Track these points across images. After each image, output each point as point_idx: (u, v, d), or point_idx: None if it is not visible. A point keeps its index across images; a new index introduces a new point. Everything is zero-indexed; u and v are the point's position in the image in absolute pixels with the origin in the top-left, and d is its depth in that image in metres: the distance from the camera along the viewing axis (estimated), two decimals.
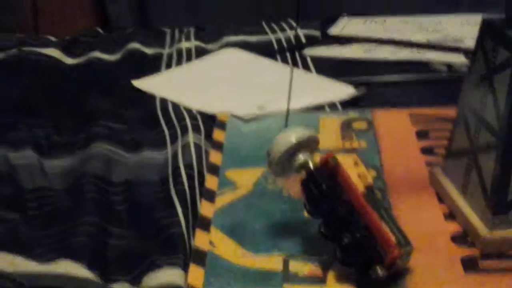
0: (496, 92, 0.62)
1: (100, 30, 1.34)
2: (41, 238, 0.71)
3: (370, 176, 0.78)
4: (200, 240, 0.68)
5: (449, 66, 1.06)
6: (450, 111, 0.75)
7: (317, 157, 0.65)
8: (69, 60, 1.18)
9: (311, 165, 0.64)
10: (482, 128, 0.65)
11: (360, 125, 0.89)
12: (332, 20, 1.30)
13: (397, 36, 1.18)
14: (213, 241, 0.68)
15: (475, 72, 0.66)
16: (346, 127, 0.88)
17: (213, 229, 0.70)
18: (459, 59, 1.07)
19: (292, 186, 0.65)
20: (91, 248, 0.68)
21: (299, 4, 0.71)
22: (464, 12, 1.26)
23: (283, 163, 0.64)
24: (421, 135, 0.86)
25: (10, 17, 1.46)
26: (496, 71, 0.62)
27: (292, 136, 0.64)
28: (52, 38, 1.28)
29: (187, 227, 0.70)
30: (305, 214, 0.65)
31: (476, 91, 0.66)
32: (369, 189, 0.74)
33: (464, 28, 1.18)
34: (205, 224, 0.70)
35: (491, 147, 0.64)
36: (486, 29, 0.64)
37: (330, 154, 0.64)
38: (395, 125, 0.88)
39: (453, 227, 0.68)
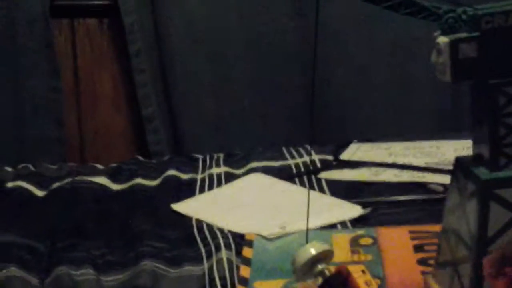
0: (468, 217, 0.77)
1: (140, 158, 1.52)
2: None
3: (375, 283, 0.93)
4: None
5: (445, 187, 1.20)
6: None
7: (332, 268, 0.81)
8: (115, 186, 1.35)
9: (327, 273, 0.79)
10: (460, 244, 0.80)
11: (366, 241, 1.03)
12: (345, 145, 1.47)
13: (400, 160, 1.34)
14: None
15: (451, 200, 0.82)
16: (355, 242, 1.03)
17: None
18: None
19: None
20: None
21: (312, 134, 0.86)
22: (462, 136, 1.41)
23: (305, 271, 0.79)
24: (418, 248, 1.00)
25: (59, 149, 1.64)
26: (467, 200, 0.77)
27: (312, 249, 0.80)
28: (99, 166, 1.47)
29: None
30: None
31: (454, 215, 0.81)
32: None
33: (457, 153, 1.34)
34: None
35: (466, 260, 0.78)
36: (457, 165, 0.80)
37: (343, 266, 0.80)
38: (396, 241, 1.03)
39: None
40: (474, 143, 0.78)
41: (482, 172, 0.74)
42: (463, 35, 0.68)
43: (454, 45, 0.68)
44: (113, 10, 1.62)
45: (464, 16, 0.67)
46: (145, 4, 1.62)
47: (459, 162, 0.80)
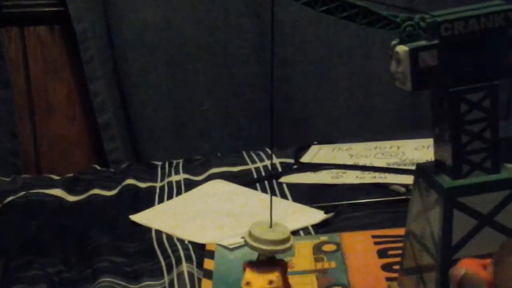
0: (431, 225, 0.76)
1: (97, 167, 1.49)
2: None
3: None
4: None
5: (407, 188, 1.20)
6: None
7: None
8: (71, 198, 1.32)
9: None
10: (424, 252, 0.79)
11: (329, 247, 1.02)
12: (306, 147, 1.45)
13: (361, 161, 1.33)
14: None
15: (414, 206, 0.81)
16: (318, 249, 1.02)
17: None
18: None
19: None
20: None
21: (272, 138, 0.85)
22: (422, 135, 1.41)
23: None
24: (382, 253, 0.99)
25: (14, 160, 1.61)
26: (430, 208, 0.76)
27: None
28: (55, 177, 1.43)
29: None
30: None
31: (417, 222, 0.80)
32: None
33: (419, 152, 1.34)
34: None
35: (432, 268, 0.78)
36: (419, 172, 0.79)
37: None
38: (360, 246, 1.02)
39: None
40: (436, 150, 0.77)
41: (445, 180, 0.73)
42: (422, 43, 0.67)
43: (413, 54, 0.66)
44: (64, 17, 1.59)
45: (422, 24, 0.66)
46: (96, 10, 1.59)
47: (421, 168, 0.79)
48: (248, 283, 0.75)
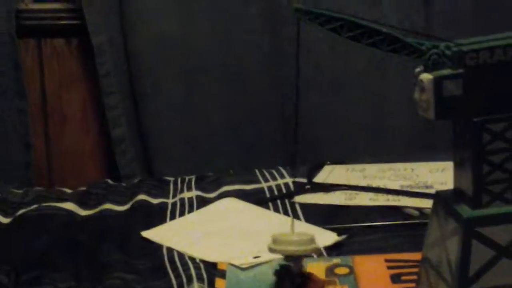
0: (449, 254, 0.75)
1: (109, 181, 1.48)
2: None
3: None
4: None
5: (421, 211, 1.19)
6: (419, 256, 0.88)
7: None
8: (83, 212, 1.32)
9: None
10: (440, 281, 0.79)
11: (342, 270, 1.01)
12: (319, 166, 1.45)
13: (375, 183, 1.32)
14: None
15: (431, 233, 0.80)
16: (330, 272, 1.01)
17: None
18: (429, 204, 1.21)
19: None
20: None
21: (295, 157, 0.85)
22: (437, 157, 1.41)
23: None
24: (395, 278, 0.98)
25: (26, 172, 1.61)
26: (448, 236, 0.76)
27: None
28: (67, 190, 1.43)
29: None
30: None
31: (434, 250, 0.79)
32: None
33: (433, 175, 1.33)
34: None
35: None
36: (437, 200, 0.79)
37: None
38: (372, 270, 1.01)
39: None
40: (456, 178, 0.76)
41: (464, 210, 0.72)
42: (446, 71, 0.66)
43: (438, 83, 0.66)
44: (82, 30, 1.59)
45: (447, 52, 0.65)
46: (114, 24, 1.59)
47: (440, 196, 0.78)
48: None
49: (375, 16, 1.57)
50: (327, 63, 1.64)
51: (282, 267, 0.80)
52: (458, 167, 0.74)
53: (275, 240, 0.78)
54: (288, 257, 0.79)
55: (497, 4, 1.65)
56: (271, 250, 0.78)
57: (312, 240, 0.78)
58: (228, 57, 1.64)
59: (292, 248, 0.77)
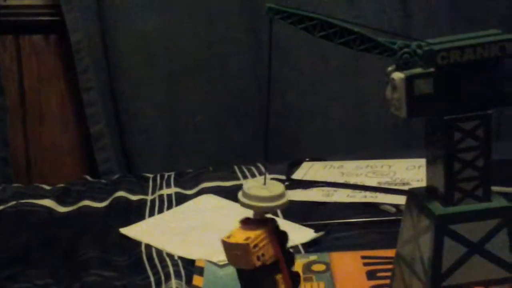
0: (422, 251, 0.76)
1: (88, 178, 1.48)
2: None
3: None
4: None
5: (397, 208, 1.20)
6: (394, 253, 0.89)
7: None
8: (61, 209, 1.32)
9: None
10: (413, 277, 0.79)
11: (319, 267, 1.02)
12: (297, 163, 1.45)
13: (352, 180, 1.33)
14: None
15: (405, 231, 0.81)
16: (307, 269, 1.02)
17: None
18: None
19: None
20: None
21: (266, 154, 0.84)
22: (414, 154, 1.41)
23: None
24: (371, 275, 0.99)
25: (4, 168, 1.60)
26: (420, 233, 0.76)
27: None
28: (46, 187, 1.43)
29: None
30: None
31: (407, 246, 0.80)
32: None
33: (410, 172, 1.34)
34: None
35: None
36: (410, 197, 0.79)
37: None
38: (349, 267, 1.02)
39: None
40: (428, 176, 0.77)
41: (436, 207, 0.73)
42: (418, 70, 0.67)
43: (409, 81, 0.66)
44: (60, 26, 1.59)
45: (419, 51, 0.66)
46: (92, 20, 1.59)
47: (413, 194, 0.79)
48: (228, 236, 0.75)
49: (353, 15, 1.58)
50: (305, 60, 1.65)
51: None
52: (430, 164, 0.75)
53: (243, 191, 0.75)
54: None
55: (475, 2, 1.67)
56: (238, 201, 0.75)
57: (280, 196, 0.75)
58: (210, 56, 1.64)
59: (255, 204, 0.74)
